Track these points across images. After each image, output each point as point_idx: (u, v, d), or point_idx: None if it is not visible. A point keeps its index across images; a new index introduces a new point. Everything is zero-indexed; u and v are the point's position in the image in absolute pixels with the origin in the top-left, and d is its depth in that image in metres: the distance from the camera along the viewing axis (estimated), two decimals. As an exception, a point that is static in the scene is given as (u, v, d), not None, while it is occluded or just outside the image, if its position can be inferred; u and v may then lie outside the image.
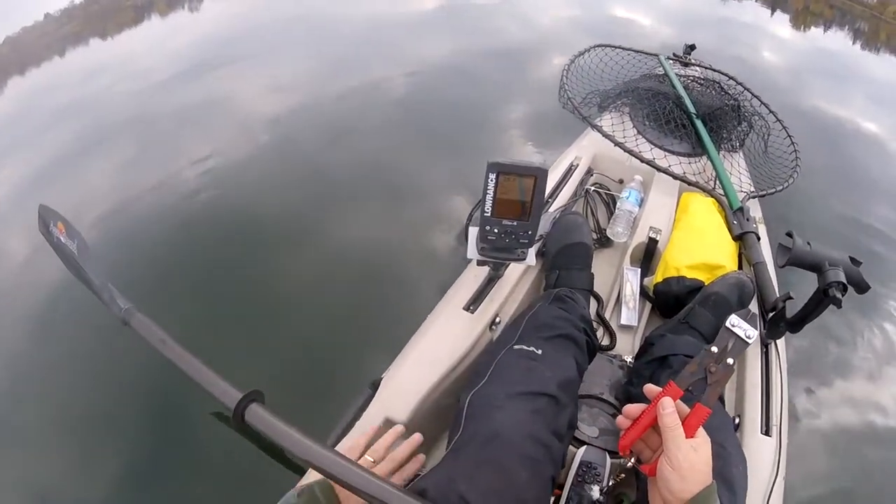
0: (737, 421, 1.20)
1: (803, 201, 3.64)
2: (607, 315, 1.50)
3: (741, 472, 0.94)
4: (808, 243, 1.24)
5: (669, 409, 0.71)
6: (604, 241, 1.76)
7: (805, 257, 1.23)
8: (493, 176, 1.02)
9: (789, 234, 1.41)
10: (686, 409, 0.73)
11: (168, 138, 3.27)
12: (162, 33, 5.92)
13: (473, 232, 1.13)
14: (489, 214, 1.06)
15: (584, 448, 1.06)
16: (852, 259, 1.22)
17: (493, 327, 1.30)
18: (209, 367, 0.92)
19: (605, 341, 1.43)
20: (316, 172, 2.96)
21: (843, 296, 1.15)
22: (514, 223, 1.07)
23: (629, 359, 1.34)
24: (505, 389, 0.93)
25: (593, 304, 1.54)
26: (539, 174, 1.01)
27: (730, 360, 0.74)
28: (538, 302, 1.23)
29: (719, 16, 12.09)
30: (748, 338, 0.74)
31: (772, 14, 15.50)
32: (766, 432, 1.16)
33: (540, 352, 1.02)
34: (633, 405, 0.77)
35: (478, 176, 1.73)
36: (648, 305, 1.55)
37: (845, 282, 1.15)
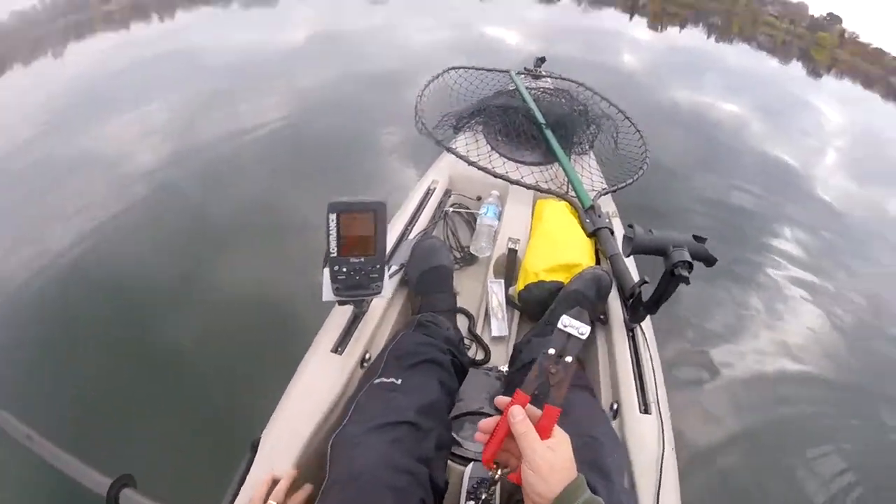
0: (615, 406, 1.25)
1: (667, 187, 3.93)
2: (479, 330, 1.52)
3: (617, 459, 0.97)
4: (651, 230, 1.31)
5: (520, 417, 0.72)
6: (468, 259, 1.79)
7: (648, 244, 1.29)
8: (332, 217, 1.02)
9: (630, 226, 1.48)
10: (538, 412, 0.74)
11: (35, 197, 3.08)
12: (24, 84, 5.57)
13: (327, 273, 1.11)
14: (335, 255, 1.06)
15: (471, 465, 1.06)
16: (696, 237, 1.30)
17: (365, 364, 1.28)
18: (74, 455, 0.89)
19: (480, 355, 1.44)
20: (195, 219, 2.88)
21: (689, 273, 1.22)
22: (362, 259, 1.07)
23: (505, 369, 1.37)
24: (363, 426, 0.92)
25: (464, 321, 1.56)
26: (377, 208, 1.03)
27: (568, 359, 0.75)
28: (401, 331, 1.22)
29: (582, 26, 12.91)
30: (581, 334, 0.76)
31: (630, 18, 16.77)
32: (645, 410, 1.21)
33: (399, 381, 1.02)
34: (486, 420, 0.77)
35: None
36: (517, 314, 1.58)
37: (690, 260, 1.22)
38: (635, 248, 1.29)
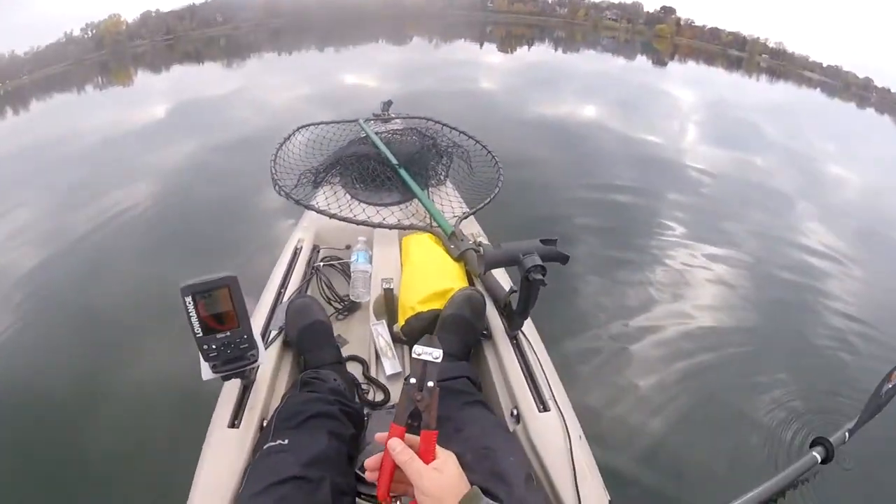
0: (515, 412, 1.31)
1: (545, 197, 4.17)
2: (374, 372, 1.55)
3: (515, 462, 1.01)
4: (499, 245, 1.40)
5: (399, 448, 0.75)
6: (351, 306, 1.82)
7: (499, 258, 1.39)
8: (188, 299, 1.02)
9: (479, 244, 1.58)
10: (417, 439, 0.77)
11: None
12: None
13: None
14: (201, 335, 1.05)
15: None
16: (543, 241, 1.38)
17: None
18: None
19: (380, 396, 1.46)
20: (83, 317, 2.76)
21: (543, 275, 1.31)
22: (228, 333, 1.08)
23: None
24: (249, 491, 0.93)
25: (359, 367, 1.58)
26: (230, 282, 1.04)
27: (430, 384, 0.79)
28: (286, 394, 1.23)
29: (436, 59, 13.51)
30: (435, 358, 0.80)
31: (481, 47, 17.76)
32: (544, 408, 1.27)
33: (286, 441, 1.03)
34: (370, 458, 0.79)
35: (251, 267, 1.72)
36: (406, 348, 1.62)
37: (541, 263, 1.31)
38: (488, 263, 1.38)
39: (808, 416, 2.22)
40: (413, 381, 0.79)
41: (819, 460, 1.37)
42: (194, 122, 6.38)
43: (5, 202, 4.17)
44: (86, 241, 3.52)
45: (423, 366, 0.80)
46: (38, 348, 2.56)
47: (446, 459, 0.76)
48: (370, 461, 0.79)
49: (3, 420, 2.16)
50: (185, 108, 7.18)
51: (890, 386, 1.59)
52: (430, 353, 0.80)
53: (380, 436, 0.79)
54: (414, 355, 0.80)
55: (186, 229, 3.64)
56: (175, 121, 6.58)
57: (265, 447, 1.03)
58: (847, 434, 1.54)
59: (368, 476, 0.79)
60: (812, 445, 1.41)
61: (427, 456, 0.75)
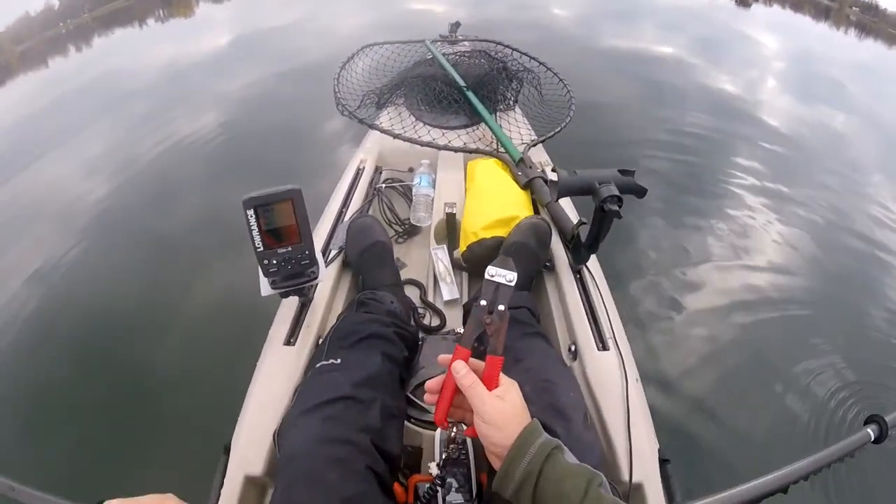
0: (573, 348, 1.28)
1: (616, 132, 4.00)
2: (431, 297, 1.53)
3: (573, 398, 0.99)
4: (575, 172, 1.31)
5: (463, 371, 0.71)
6: (410, 230, 1.79)
7: (573, 185, 1.30)
8: (250, 212, 1.00)
9: (553, 170, 1.49)
10: (481, 364, 0.74)
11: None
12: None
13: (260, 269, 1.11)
14: (261, 249, 1.04)
15: (438, 430, 1.07)
16: (622, 171, 1.29)
17: None
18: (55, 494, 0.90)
19: (436, 322, 1.45)
20: (148, 240, 2.85)
21: (619, 206, 1.22)
22: (290, 248, 1.06)
23: (461, 330, 1.37)
24: (299, 408, 0.93)
25: (416, 291, 1.57)
26: (294, 195, 1.02)
27: (501, 307, 0.75)
28: (343, 313, 1.23)
29: (509, -18, 12.86)
30: (509, 281, 0.75)
31: (554, -31, 16.74)
32: (604, 347, 1.23)
33: (339, 361, 1.02)
34: (431, 380, 0.76)
35: (319, 195, 1.75)
36: (465, 275, 1.60)
37: (618, 194, 1.23)
38: (561, 190, 1.30)
39: (863, 391, 2.12)
40: (483, 303, 0.75)
41: (872, 438, 1.27)
42: (257, 52, 6.38)
43: (76, 135, 4.31)
44: (152, 168, 3.61)
45: (495, 288, 0.75)
46: (104, 270, 2.67)
47: (509, 388, 0.72)
48: (431, 383, 0.75)
49: (71, 337, 2.29)
50: (247, 37, 7.17)
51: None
52: (504, 276, 0.75)
53: (443, 358, 0.75)
54: (487, 276, 0.75)
55: (250, 157, 3.69)
56: (237, 51, 6.59)
57: (318, 365, 1.03)
58: None
59: (427, 398, 0.76)
60: (866, 423, 1.31)
61: (490, 382, 0.71)
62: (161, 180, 3.46)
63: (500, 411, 0.68)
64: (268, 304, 1.13)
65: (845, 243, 3.22)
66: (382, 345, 1.10)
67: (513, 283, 0.75)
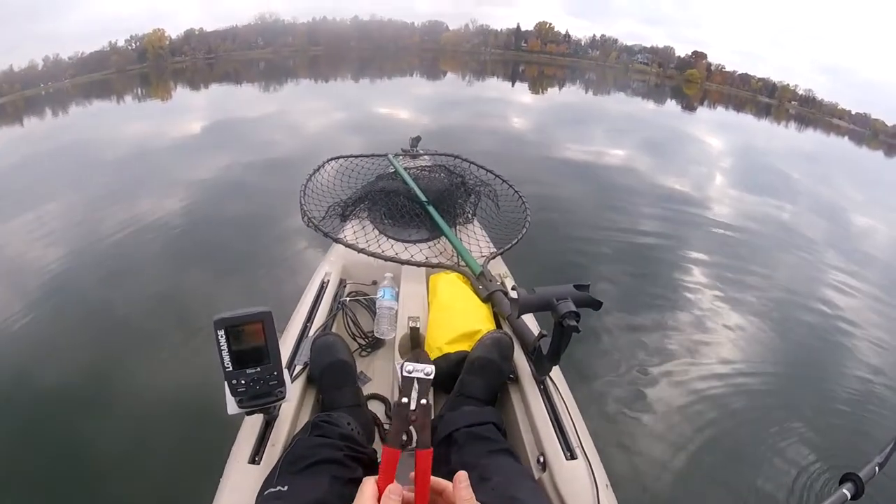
0: (542, 459, 1.28)
1: (572, 238, 4.18)
2: (397, 412, 1.51)
3: None
4: (533, 290, 1.38)
5: (464, 483, 0.71)
6: (375, 343, 1.81)
7: (532, 303, 1.36)
8: (221, 332, 1.01)
9: (514, 288, 1.56)
10: (445, 483, 0.74)
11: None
12: None
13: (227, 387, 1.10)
14: (230, 369, 1.05)
15: None
16: (577, 286, 1.37)
17: None
18: None
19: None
20: (102, 321, 2.79)
21: (577, 321, 1.29)
22: (258, 369, 1.07)
23: None
24: None
25: (381, 406, 1.57)
26: (264, 317, 1.04)
27: (423, 402, 0.76)
28: (297, 435, 1.21)
29: (468, 95, 13.77)
30: (427, 375, 0.77)
31: (513, 85, 18.07)
32: (571, 456, 1.24)
33: (286, 488, 1.01)
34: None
35: (271, 289, 1.76)
36: (432, 389, 1.59)
37: (575, 310, 1.30)
38: (521, 308, 1.36)
39: (834, 456, 2.23)
40: (405, 400, 0.76)
41: (849, 497, 1.31)
42: (228, 141, 6.56)
43: (37, 198, 4.30)
44: (111, 244, 3.62)
45: (412, 383, 0.77)
46: (53, 344, 2.61)
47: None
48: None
49: (8, 408, 2.20)
50: (220, 126, 7.40)
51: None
52: (423, 370, 0.77)
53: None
54: (404, 373, 0.77)
55: (213, 244, 3.72)
56: (210, 138, 6.78)
57: (265, 492, 1.02)
58: (877, 468, 1.47)
59: None
60: (841, 482, 1.35)
61: (425, 475, 0.72)
62: (119, 258, 3.45)
63: None
64: (220, 405, 1.11)
65: (802, 321, 3.44)
66: (333, 469, 1.09)
67: (430, 377, 0.77)
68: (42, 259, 3.38)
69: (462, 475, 0.72)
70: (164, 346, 2.59)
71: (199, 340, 2.52)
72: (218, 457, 1.23)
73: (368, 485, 0.70)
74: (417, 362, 0.78)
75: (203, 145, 6.44)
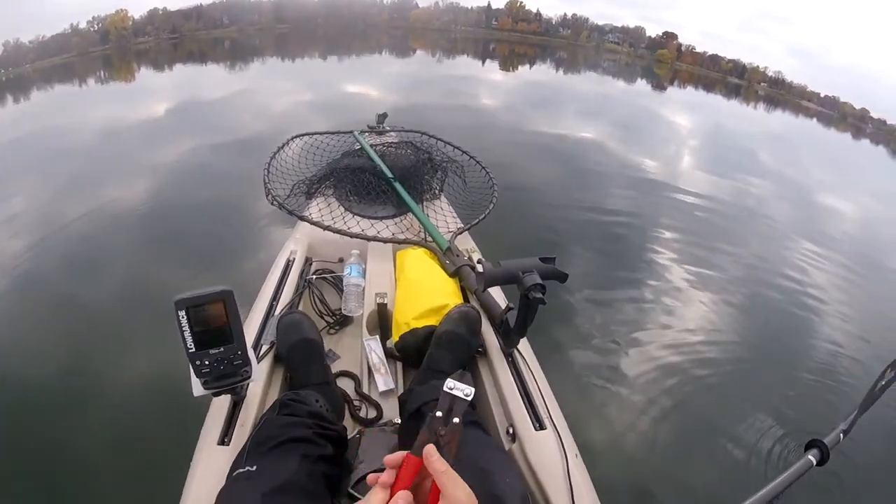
0: (511, 430, 1.30)
1: (540, 215, 4.20)
2: (366, 388, 1.52)
3: (510, 483, 0.99)
4: (499, 263, 1.38)
5: (435, 456, 0.71)
6: (343, 321, 1.80)
7: (498, 276, 1.36)
8: (182, 313, 0.99)
9: (479, 261, 1.56)
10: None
11: None
12: None
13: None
14: (193, 350, 1.03)
15: None
16: (542, 259, 1.37)
17: None
18: None
19: (373, 413, 1.44)
20: (73, 313, 2.73)
21: (543, 294, 1.29)
22: (222, 349, 1.05)
23: (399, 421, 1.37)
24: None
25: (350, 383, 1.56)
26: (226, 296, 1.02)
27: (455, 420, 0.76)
28: (265, 414, 1.20)
29: (439, 73, 13.63)
30: (466, 396, 0.78)
31: (483, 63, 17.94)
32: (540, 427, 1.25)
33: (255, 468, 1.00)
34: (375, 475, 0.74)
35: (243, 275, 1.73)
36: (400, 364, 1.60)
37: (541, 282, 1.30)
38: (487, 282, 1.36)
39: (800, 424, 2.29)
40: (439, 414, 0.76)
41: (814, 463, 1.36)
42: (194, 123, 6.44)
43: (0, 187, 4.16)
44: (78, 233, 3.54)
45: (451, 400, 0.78)
46: (20, 337, 2.55)
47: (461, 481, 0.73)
48: (375, 477, 0.74)
49: None
50: (185, 107, 7.23)
51: (883, 382, 1.60)
52: (462, 390, 0.78)
53: (390, 459, 0.74)
54: (446, 388, 0.78)
55: (179, 229, 3.66)
56: (174, 120, 6.64)
57: (234, 473, 1.01)
58: (841, 434, 1.53)
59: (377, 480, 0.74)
60: (806, 448, 1.41)
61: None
62: (84, 245, 3.39)
63: (468, 495, 0.69)
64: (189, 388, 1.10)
65: (768, 297, 3.53)
66: (302, 447, 1.08)
67: (469, 398, 0.78)
68: (5, 250, 3.30)
69: (430, 448, 0.72)
70: (133, 332, 2.55)
71: (167, 325, 2.46)
72: (190, 440, 1.22)
73: (376, 496, 0.70)
74: (461, 381, 0.78)
75: (168, 128, 6.32)
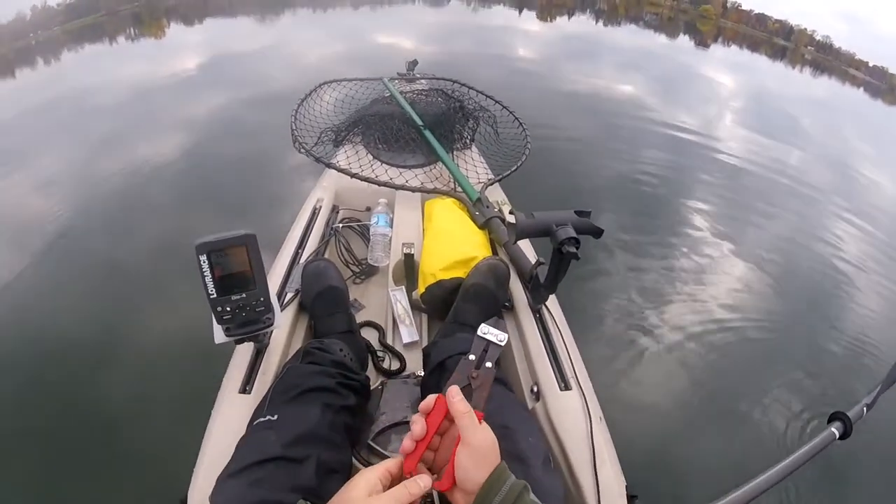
0: (535, 388, 1.27)
1: (576, 169, 4.09)
2: (390, 339, 1.51)
3: (533, 442, 0.98)
4: (532, 214, 1.32)
5: (458, 397, 0.71)
6: (368, 270, 1.78)
7: (531, 228, 1.31)
8: (203, 258, 0.97)
9: (511, 213, 1.50)
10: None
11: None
12: None
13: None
14: (215, 296, 1.01)
15: None
16: (578, 212, 1.32)
17: None
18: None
19: (396, 365, 1.42)
20: (105, 266, 2.78)
21: (577, 248, 1.24)
22: (244, 295, 1.03)
23: (422, 373, 1.35)
24: (228, 470, 0.90)
25: (374, 333, 1.54)
26: (249, 241, 0.99)
27: (488, 364, 0.77)
28: (288, 363, 1.19)
29: (474, 23, 13.26)
30: (500, 341, 0.78)
31: (520, 13, 17.32)
32: (566, 387, 1.22)
33: (276, 417, 0.99)
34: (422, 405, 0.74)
35: (278, 229, 1.73)
36: (425, 317, 1.58)
37: (575, 235, 1.25)
38: (519, 233, 1.31)
39: (825, 398, 2.28)
40: (472, 357, 0.77)
41: (837, 436, 1.32)
42: (225, 77, 6.41)
43: (36, 151, 4.24)
44: (111, 190, 3.57)
45: (485, 345, 0.78)
46: (56, 294, 2.60)
47: (485, 426, 0.72)
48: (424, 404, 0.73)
49: (16, 359, 2.20)
50: (216, 62, 7.19)
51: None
52: (496, 335, 0.79)
53: (424, 404, 0.73)
54: (479, 333, 0.79)
55: (212, 183, 3.67)
56: (206, 75, 6.61)
57: (255, 422, 1.00)
58: (865, 408, 1.48)
59: (405, 447, 0.73)
60: (829, 421, 1.36)
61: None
62: (120, 203, 3.41)
63: (487, 439, 0.69)
64: (224, 345, 1.09)
65: (801, 270, 3.42)
66: (324, 397, 1.07)
67: (503, 344, 0.78)
68: (42, 208, 3.35)
69: (453, 389, 0.72)
70: (164, 284, 2.58)
71: (195, 275, 2.49)
72: (212, 388, 1.22)
73: (365, 477, 0.69)
74: (495, 327, 0.79)
75: (199, 83, 6.31)
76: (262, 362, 1.25)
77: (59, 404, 2.03)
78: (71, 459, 1.83)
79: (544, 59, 8.76)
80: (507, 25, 12.67)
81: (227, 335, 1.07)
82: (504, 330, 0.78)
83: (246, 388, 1.19)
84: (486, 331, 0.79)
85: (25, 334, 2.33)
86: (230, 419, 1.11)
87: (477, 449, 0.67)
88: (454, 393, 0.71)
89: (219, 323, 1.05)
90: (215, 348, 1.10)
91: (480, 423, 0.72)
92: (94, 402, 2.03)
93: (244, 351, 1.26)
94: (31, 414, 2.00)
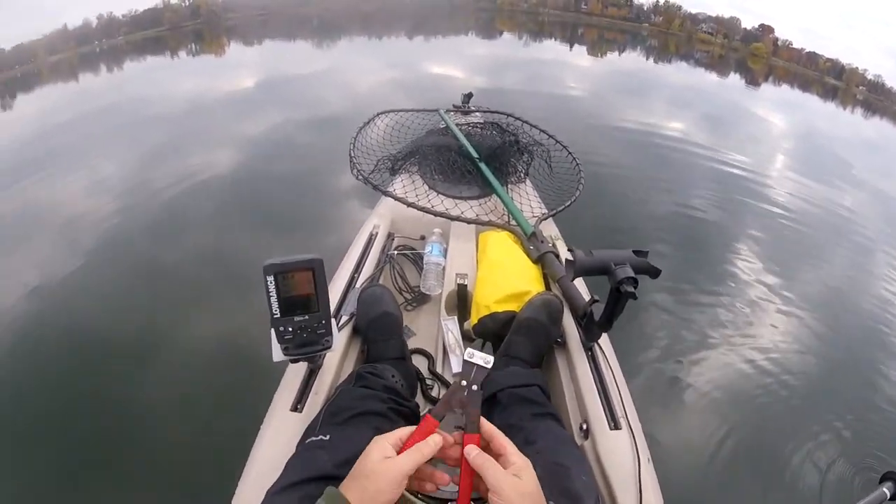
0: (584, 426, 1.25)
1: (622, 207, 4.06)
2: (440, 368, 1.51)
3: (586, 481, 0.97)
4: (591, 252, 1.32)
5: (474, 453, 0.72)
6: (420, 298, 1.79)
7: (590, 265, 1.31)
8: (270, 279, 1.00)
9: (570, 250, 1.51)
10: (452, 437, 0.76)
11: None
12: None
13: (274, 334, 1.09)
14: (278, 316, 1.04)
15: None
16: (636, 252, 1.31)
17: None
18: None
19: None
20: (150, 273, 2.87)
21: (635, 288, 1.23)
22: (306, 317, 1.06)
23: None
24: (278, 486, 0.91)
25: (424, 361, 1.56)
26: (315, 265, 1.02)
27: (474, 387, 0.80)
28: (341, 385, 1.21)
29: (525, 58, 13.41)
30: (486, 363, 0.82)
31: (570, 48, 17.48)
32: (615, 426, 1.21)
33: (328, 437, 1.00)
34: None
35: (322, 246, 1.78)
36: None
37: (633, 276, 1.24)
38: (578, 270, 1.31)
39: (875, 456, 2.18)
40: (464, 383, 0.81)
41: (888, 496, 1.27)
42: (281, 97, 6.60)
43: (92, 153, 4.43)
44: (163, 198, 3.70)
45: (472, 369, 0.82)
46: (103, 295, 2.69)
47: (525, 467, 0.72)
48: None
49: (56, 357, 2.28)
50: (273, 82, 7.43)
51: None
52: (483, 359, 0.82)
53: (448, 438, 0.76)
54: (466, 358, 0.82)
55: (262, 199, 3.77)
56: (262, 94, 6.83)
57: (307, 441, 1.01)
58: None
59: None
60: (881, 481, 1.30)
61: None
62: (170, 211, 3.53)
63: (518, 490, 0.68)
64: (264, 353, 1.12)
65: (851, 320, 3.28)
66: (376, 421, 1.08)
67: (488, 367, 0.82)
68: (96, 212, 3.49)
69: (469, 448, 0.74)
70: (212, 296, 2.66)
71: (246, 291, 2.57)
72: (260, 404, 1.24)
73: (378, 444, 0.74)
74: (481, 349, 0.84)
75: (256, 101, 6.51)
76: (314, 382, 1.27)
77: (100, 403, 2.09)
78: (99, 455, 1.90)
79: (595, 94, 8.78)
80: (558, 60, 12.76)
81: (285, 354, 1.10)
82: (490, 353, 0.84)
83: (297, 406, 1.21)
84: (472, 354, 0.82)
85: (70, 330, 2.43)
86: (280, 435, 1.13)
87: (508, 498, 0.68)
88: (470, 451, 0.73)
89: (279, 342, 1.07)
90: (257, 360, 1.12)
91: (478, 444, 0.74)
92: (129, 401, 2.08)
93: (297, 369, 1.29)
94: (72, 411, 2.06)
